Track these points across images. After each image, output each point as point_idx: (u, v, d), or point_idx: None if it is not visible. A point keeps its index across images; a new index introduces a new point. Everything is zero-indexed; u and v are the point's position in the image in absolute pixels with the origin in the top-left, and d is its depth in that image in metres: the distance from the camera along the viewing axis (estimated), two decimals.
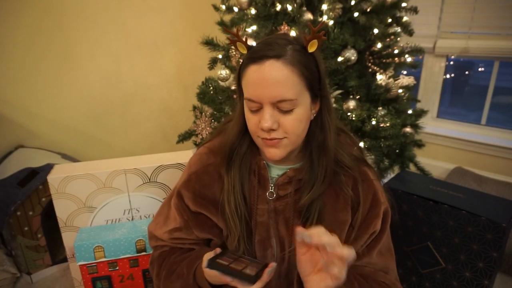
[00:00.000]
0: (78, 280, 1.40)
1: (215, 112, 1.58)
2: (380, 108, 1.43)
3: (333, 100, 1.36)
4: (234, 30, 1.13)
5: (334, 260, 0.63)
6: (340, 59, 1.35)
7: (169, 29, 2.38)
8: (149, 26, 2.28)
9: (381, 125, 1.39)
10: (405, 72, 1.65)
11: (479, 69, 2.59)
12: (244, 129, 0.81)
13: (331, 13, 1.33)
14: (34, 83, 1.93)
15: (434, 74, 2.43)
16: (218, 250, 0.78)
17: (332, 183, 0.81)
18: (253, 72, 0.71)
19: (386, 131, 1.39)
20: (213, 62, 1.59)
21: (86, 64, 2.09)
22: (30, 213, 1.60)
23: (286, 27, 1.33)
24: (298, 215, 0.81)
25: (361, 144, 1.39)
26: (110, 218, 1.37)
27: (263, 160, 0.83)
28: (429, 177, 1.55)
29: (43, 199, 1.62)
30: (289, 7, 1.36)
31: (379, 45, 1.41)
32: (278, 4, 1.39)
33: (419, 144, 1.62)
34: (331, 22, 1.33)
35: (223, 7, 1.57)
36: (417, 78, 2.43)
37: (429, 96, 2.47)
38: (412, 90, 1.53)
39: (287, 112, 0.72)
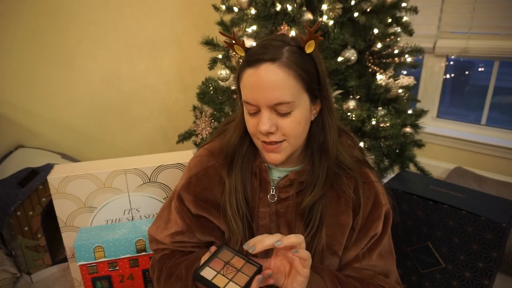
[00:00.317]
0: (78, 280, 1.40)
1: (215, 112, 1.58)
2: (380, 108, 1.43)
3: (333, 100, 1.36)
4: (232, 32, 1.12)
5: (288, 254, 0.66)
6: (340, 59, 1.35)
7: (169, 29, 2.38)
8: (149, 26, 2.28)
9: (381, 125, 1.39)
10: (405, 72, 1.65)
11: (479, 69, 2.58)
12: (245, 131, 0.80)
13: (331, 13, 1.32)
14: (34, 83, 1.93)
15: (434, 74, 2.43)
16: (213, 248, 0.76)
17: (334, 184, 0.80)
18: (249, 76, 0.70)
19: (386, 131, 1.39)
20: (213, 62, 1.58)
21: (86, 64, 2.09)
22: (30, 213, 1.60)
23: (286, 27, 1.33)
24: (300, 218, 0.81)
25: (361, 144, 1.38)
26: (110, 218, 1.37)
27: (264, 162, 0.82)
28: (429, 177, 1.55)
29: (43, 199, 1.62)
30: (289, 7, 1.36)
31: (379, 45, 1.41)
32: (278, 4, 1.39)
33: (419, 144, 1.62)
34: (331, 22, 1.32)
35: (223, 7, 1.57)
36: (417, 78, 2.43)
37: (429, 96, 2.47)
38: (412, 90, 1.53)
39: (285, 114, 0.71)
